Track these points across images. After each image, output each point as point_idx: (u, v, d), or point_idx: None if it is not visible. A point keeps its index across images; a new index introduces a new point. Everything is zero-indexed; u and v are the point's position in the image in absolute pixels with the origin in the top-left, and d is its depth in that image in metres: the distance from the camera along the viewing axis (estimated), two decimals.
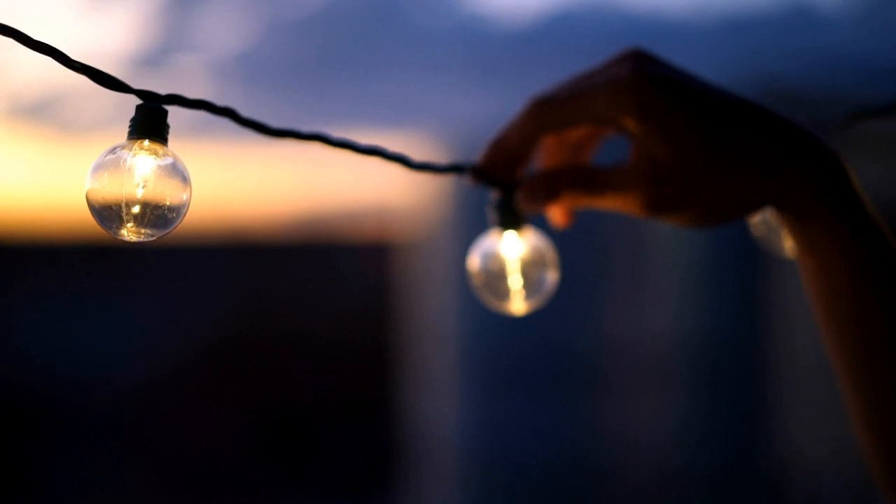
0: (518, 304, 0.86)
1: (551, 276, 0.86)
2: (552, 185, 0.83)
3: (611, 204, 0.82)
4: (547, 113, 0.82)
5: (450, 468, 5.29)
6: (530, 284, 0.85)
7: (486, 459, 5.05)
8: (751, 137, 0.79)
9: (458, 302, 5.01)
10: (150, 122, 0.72)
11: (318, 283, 7.32)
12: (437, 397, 5.30)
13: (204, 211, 7.03)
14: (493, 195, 0.86)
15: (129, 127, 0.72)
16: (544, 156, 0.87)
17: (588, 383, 4.84)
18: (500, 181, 0.85)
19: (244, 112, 0.77)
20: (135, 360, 6.95)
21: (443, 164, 0.84)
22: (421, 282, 5.54)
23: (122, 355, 6.97)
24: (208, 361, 6.97)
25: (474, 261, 0.86)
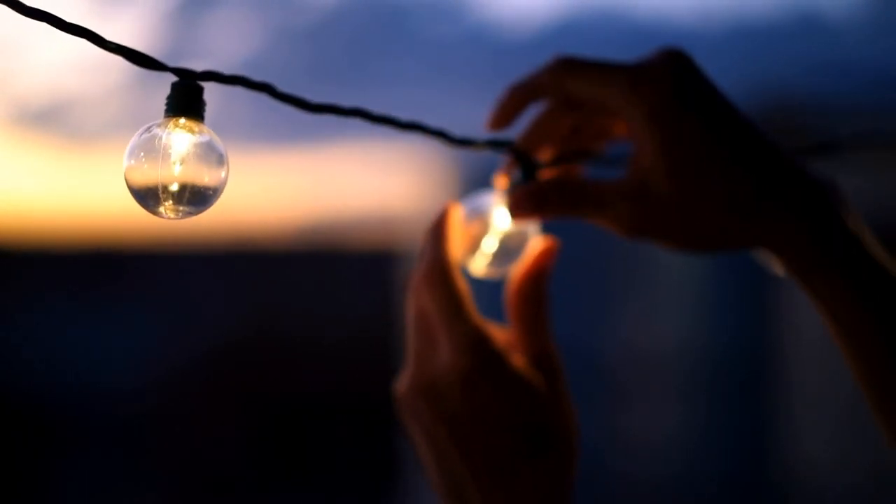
0: (479, 267, 0.86)
1: (518, 261, 0.85)
2: (540, 199, 0.82)
3: (595, 221, 0.81)
4: (568, 70, 0.80)
5: None
6: (500, 256, 0.85)
7: None
8: (754, 175, 0.76)
9: None
10: (185, 100, 0.71)
11: (323, 290, 7.32)
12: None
13: (209, 218, 7.03)
14: (503, 170, 0.86)
15: (165, 105, 0.72)
16: (542, 134, 0.85)
17: (595, 388, 4.84)
18: (529, 161, 0.84)
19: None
20: (141, 366, 6.95)
21: (481, 139, 0.83)
22: None
23: (129, 361, 6.97)
24: (214, 368, 6.97)
25: (460, 211, 0.85)
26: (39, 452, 6.63)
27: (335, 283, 7.37)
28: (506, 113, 0.84)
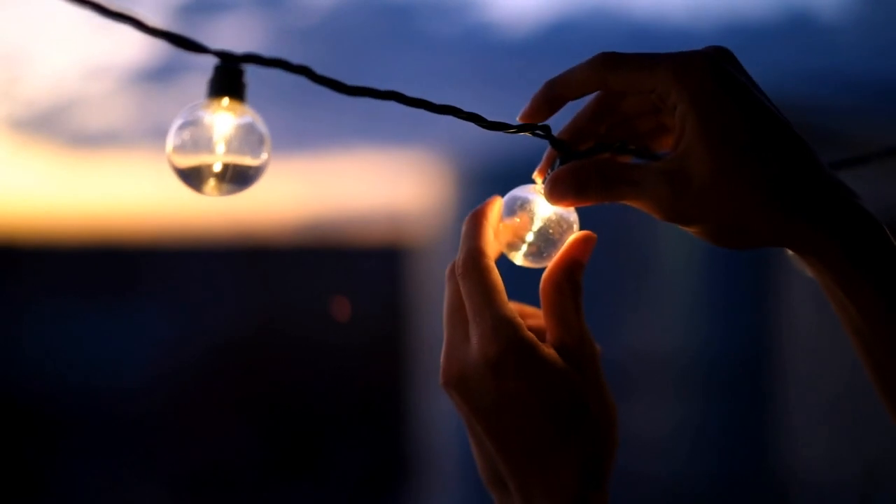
0: (521, 258, 0.87)
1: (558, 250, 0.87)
2: (579, 179, 0.82)
3: (634, 202, 0.81)
4: (610, 63, 0.81)
5: (460, 473, 5.29)
6: (542, 247, 0.87)
7: None
8: (788, 176, 0.76)
9: None
10: (227, 82, 0.73)
11: (329, 287, 7.32)
12: (448, 402, 5.30)
13: (217, 215, 7.05)
14: (543, 165, 0.87)
15: (208, 86, 0.73)
16: (581, 132, 0.86)
17: None
18: (565, 147, 0.85)
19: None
20: (148, 364, 6.95)
21: (515, 124, 0.84)
22: (431, 286, 5.55)
23: (134, 359, 6.97)
24: (221, 365, 6.97)
25: (498, 204, 0.87)
26: (47, 449, 6.64)
27: (343, 281, 7.38)
28: (538, 106, 0.84)
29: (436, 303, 5.67)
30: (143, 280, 7.30)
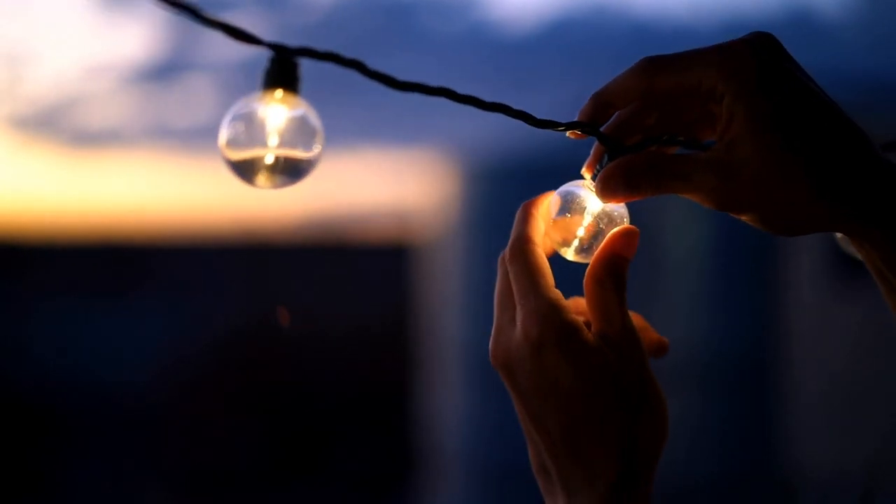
0: (573, 253, 0.88)
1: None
2: (630, 174, 0.82)
3: (684, 194, 0.81)
4: (654, 68, 0.81)
5: (464, 470, 5.30)
6: (593, 242, 0.87)
7: (501, 461, 5.07)
8: (836, 162, 0.76)
9: (473, 304, 5.02)
10: (281, 74, 0.73)
11: (334, 285, 7.32)
12: (452, 399, 5.31)
13: (221, 213, 7.05)
14: (591, 160, 0.88)
15: (262, 79, 0.73)
16: (627, 127, 0.86)
17: None
18: (614, 143, 0.85)
19: None
20: (150, 362, 6.96)
21: (564, 122, 0.85)
22: (436, 284, 5.55)
23: (137, 357, 6.97)
24: (224, 363, 6.98)
25: (555, 199, 0.88)
26: (50, 446, 6.65)
27: (347, 279, 7.39)
28: (587, 119, 0.85)
29: (439, 300, 5.69)
30: (147, 278, 7.30)
